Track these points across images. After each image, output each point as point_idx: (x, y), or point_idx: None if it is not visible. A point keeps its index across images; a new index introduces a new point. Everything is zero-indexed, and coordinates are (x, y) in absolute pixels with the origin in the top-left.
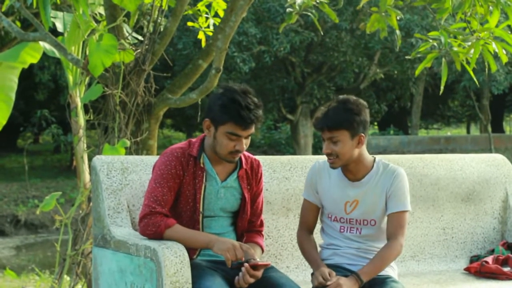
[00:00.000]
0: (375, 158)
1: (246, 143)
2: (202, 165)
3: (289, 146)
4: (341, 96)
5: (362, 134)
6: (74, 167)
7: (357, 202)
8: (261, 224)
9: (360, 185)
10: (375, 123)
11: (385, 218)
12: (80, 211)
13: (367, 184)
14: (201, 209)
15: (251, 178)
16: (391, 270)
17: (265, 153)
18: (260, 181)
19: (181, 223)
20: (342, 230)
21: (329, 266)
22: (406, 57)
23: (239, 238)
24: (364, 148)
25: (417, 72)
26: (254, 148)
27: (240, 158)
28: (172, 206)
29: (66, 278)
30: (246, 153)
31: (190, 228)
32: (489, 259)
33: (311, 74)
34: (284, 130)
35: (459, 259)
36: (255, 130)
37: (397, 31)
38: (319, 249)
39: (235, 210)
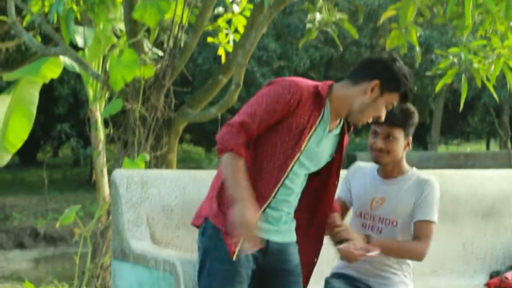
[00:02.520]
0: (412, 168)
1: None
2: (323, 108)
3: None
4: None
5: (410, 138)
6: (93, 181)
7: (383, 199)
8: None
9: (391, 183)
10: None
11: (405, 226)
12: (99, 225)
13: (398, 184)
14: (302, 148)
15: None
16: (404, 287)
17: None
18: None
19: (271, 157)
20: (364, 226)
21: (342, 275)
22: (426, 73)
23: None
24: (404, 155)
25: (437, 89)
26: None
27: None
28: (268, 135)
29: None
30: None
31: (276, 166)
32: (509, 274)
33: None
34: None
35: (478, 275)
36: None
37: (417, 48)
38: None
39: (317, 169)
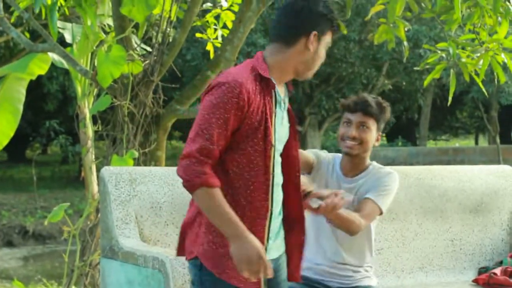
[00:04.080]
0: (372, 162)
1: None
2: (273, 90)
3: None
4: (368, 95)
5: (380, 133)
6: (82, 178)
7: None
8: None
9: (353, 181)
10: (383, 135)
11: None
12: (88, 222)
13: (358, 181)
14: (273, 141)
15: None
16: (368, 281)
17: None
18: None
19: (250, 166)
20: (329, 222)
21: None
22: (415, 68)
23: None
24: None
25: (425, 83)
26: None
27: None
28: (234, 146)
29: None
30: None
31: (259, 173)
32: (498, 270)
33: (319, 85)
34: None
35: (467, 271)
36: None
37: (405, 42)
38: None
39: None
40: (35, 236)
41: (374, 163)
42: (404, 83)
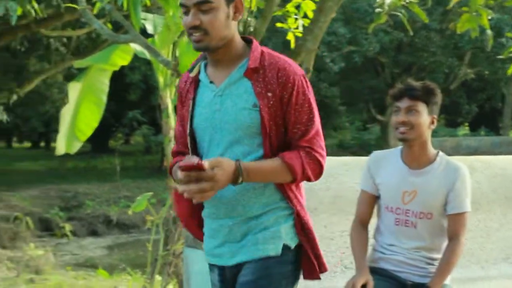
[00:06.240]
0: (438, 151)
1: (205, 19)
2: (194, 74)
3: (379, 147)
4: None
5: (435, 116)
6: (164, 168)
7: (416, 193)
8: (306, 139)
9: (421, 175)
10: (466, 124)
11: (441, 216)
12: (171, 212)
13: (428, 174)
14: (187, 129)
15: (274, 83)
16: None
17: (354, 153)
18: (293, 91)
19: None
20: (397, 223)
21: (374, 269)
22: (497, 56)
23: None
24: (430, 136)
25: (510, 71)
26: (344, 148)
27: (249, 56)
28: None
29: (158, 278)
30: (276, 54)
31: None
32: None
33: (401, 74)
34: (373, 131)
35: None
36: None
37: (488, 31)
38: (369, 249)
39: (251, 125)
40: (119, 225)
41: (441, 153)
42: (486, 72)
